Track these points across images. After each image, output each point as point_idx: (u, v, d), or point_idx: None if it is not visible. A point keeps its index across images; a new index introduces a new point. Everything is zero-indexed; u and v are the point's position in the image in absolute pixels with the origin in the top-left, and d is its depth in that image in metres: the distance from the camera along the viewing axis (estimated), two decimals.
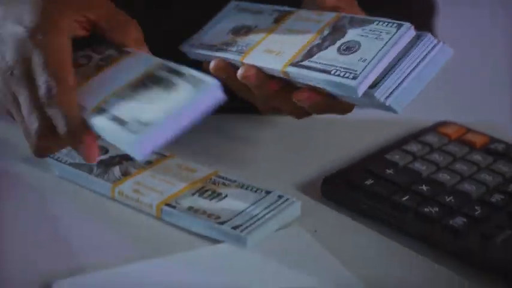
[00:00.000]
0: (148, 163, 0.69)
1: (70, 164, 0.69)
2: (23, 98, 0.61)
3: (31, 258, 0.61)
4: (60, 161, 0.69)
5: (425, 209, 0.64)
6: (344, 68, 0.61)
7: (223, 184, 0.66)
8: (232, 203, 0.64)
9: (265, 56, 0.65)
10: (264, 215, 0.64)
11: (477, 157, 0.71)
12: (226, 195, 0.65)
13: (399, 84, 0.62)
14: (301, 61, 0.63)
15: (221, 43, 0.69)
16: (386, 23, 0.63)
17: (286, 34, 0.66)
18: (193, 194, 0.65)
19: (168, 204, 0.64)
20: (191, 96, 0.58)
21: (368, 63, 0.60)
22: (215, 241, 0.63)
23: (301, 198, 0.68)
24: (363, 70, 0.60)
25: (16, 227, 0.64)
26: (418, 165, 0.70)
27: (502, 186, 0.67)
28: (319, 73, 0.62)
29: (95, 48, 0.67)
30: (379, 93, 0.61)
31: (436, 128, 0.76)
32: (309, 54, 0.64)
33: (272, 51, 0.65)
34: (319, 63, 0.62)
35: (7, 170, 0.71)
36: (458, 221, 0.63)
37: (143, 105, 0.58)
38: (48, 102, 0.60)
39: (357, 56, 0.61)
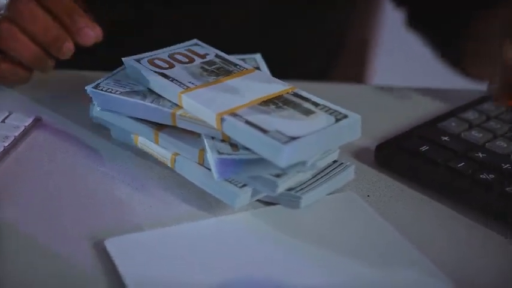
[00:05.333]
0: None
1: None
2: None
3: (85, 217, 0.61)
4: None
5: (481, 176, 0.63)
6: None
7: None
8: None
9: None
10: (318, 179, 0.63)
11: None
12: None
13: None
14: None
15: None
16: None
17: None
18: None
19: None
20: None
21: None
22: (269, 203, 0.62)
23: (355, 164, 0.67)
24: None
25: (72, 187, 0.64)
26: (474, 133, 0.69)
27: None
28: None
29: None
30: None
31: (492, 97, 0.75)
32: None
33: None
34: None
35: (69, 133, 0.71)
36: None
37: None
38: None
39: None
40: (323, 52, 1.04)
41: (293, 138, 0.58)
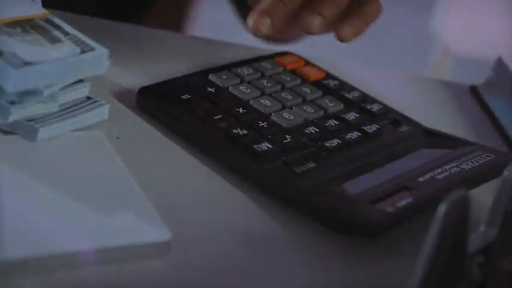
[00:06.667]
0: None
1: None
2: None
3: None
4: None
5: (234, 130, 0.61)
6: None
7: None
8: None
9: None
10: (64, 114, 0.60)
11: (306, 90, 0.69)
12: None
13: None
14: None
15: None
16: None
17: None
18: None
19: None
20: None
21: None
22: (8, 133, 0.59)
23: (115, 105, 0.64)
24: None
25: None
26: (242, 88, 0.67)
27: (321, 120, 0.65)
28: None
29: None
30: None
31: (274, 56, 0.73)
32: None
33: None
34: None
35: None
36: (264, 146, 0.60)
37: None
38: None
39: None
40: None
41: (26, 63, 0.54)
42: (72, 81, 0.59)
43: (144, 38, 0.78)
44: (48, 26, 0.59)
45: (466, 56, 1.80)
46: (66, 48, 0.57)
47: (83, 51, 0.57)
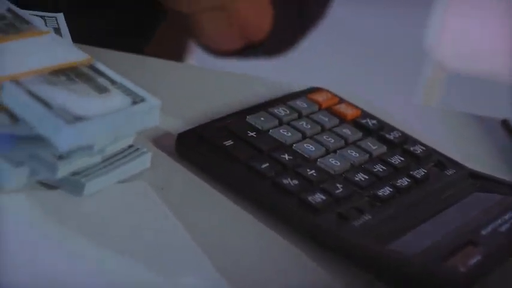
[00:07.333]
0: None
1: None
2: None
3: None
4: None
5: (284, 180, 0.59)
6: None
7: None
8: None
9: None
10: (108, 165, 0.57)
11: (346, 131, 0.66)
12: None
13: None
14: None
15: None
16: None
17: None
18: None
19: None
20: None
21: None
22: (52, 187, 0.56)
23: (154, 152, 0.62)
24: None
25: None
26: (283, 131, 0.64)
27: (367, 165, 0.63)
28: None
29: None
30: None
31: (307, 93, 0.71)
32: None
33: None
34: None
35: None
36: (317, 197, 0.58)
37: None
38: None
39: None
40: (138, 23, 0.98)
41: (78, 119, 0.51)
42: (122, 134, 0.56)
43: (160, 70, 0.75)
44: (91, 73, 0.56)
45: (463, 71, 1.79)
46: (116, 99, 0.54)
47: (134, 102, 0.54)
